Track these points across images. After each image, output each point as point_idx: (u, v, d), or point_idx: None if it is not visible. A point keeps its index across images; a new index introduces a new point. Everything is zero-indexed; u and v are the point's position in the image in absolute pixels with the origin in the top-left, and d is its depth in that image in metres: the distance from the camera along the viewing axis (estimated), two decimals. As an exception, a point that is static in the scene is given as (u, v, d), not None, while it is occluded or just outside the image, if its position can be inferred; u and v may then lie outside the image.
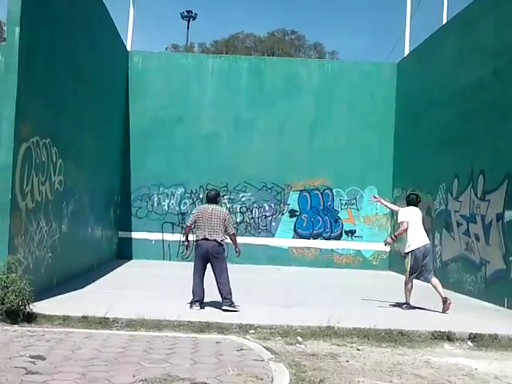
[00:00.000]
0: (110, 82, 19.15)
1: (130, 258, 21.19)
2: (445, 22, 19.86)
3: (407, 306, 12.54)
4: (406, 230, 12.60)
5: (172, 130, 21.97)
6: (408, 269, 12.53)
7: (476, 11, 16.14)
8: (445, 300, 12.21)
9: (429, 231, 17.70)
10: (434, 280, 12.56)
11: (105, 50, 18.18)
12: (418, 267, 12.46)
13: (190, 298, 11.53)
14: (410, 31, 22.90)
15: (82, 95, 15.11)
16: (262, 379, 6.40)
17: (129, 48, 22.51)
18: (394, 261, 21.28)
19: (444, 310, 12.12)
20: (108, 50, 18.81)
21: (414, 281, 12.69)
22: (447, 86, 17.46)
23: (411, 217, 12.61)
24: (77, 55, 14.62)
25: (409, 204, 12.99)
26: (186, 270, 18.73)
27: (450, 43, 17.70)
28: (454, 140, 16.61)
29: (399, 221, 12.75)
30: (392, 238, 13.10)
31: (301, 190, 22.01)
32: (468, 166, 15.57)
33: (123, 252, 21.28)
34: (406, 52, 22.37)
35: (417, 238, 12.54)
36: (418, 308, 12.46)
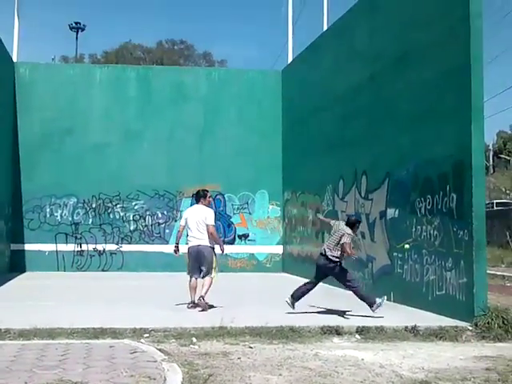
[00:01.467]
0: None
1: (24, 271, 20.86)
2: (325, 28, 20.48)
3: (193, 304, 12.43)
4: (179, 232, 12.85)
5: (61, 142, 21.81)
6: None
7: (351, 20, 16.85)
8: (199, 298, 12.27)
9: (318, 232, 18.33)
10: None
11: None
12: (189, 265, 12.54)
13: (87, 305, 11.61)
14: (293, 39, 23.60)
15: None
16: (154, 379, 6.55)
17: (15, 59, 22.15)
18: (288, 263, 21.76)
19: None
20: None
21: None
22: (328, 91, 18.06)
23: (188, 217, 12.56)
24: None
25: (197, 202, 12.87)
26: (80, 279, 18.78)
27: (329, 50, 18.35)
28: (337, 143, 17.20)
29: None
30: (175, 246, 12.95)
31: (193, 196, 22.13)
32: (351, 168, 16.16)
33: (16, 264, 20.95)
34: (290, 59, 22.93)
35: (189, 238, 12.56)
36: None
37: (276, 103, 22.60)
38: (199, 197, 12.73)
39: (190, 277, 12.51)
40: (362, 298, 11.89)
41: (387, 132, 14.36)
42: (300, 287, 12.30)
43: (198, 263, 12.39)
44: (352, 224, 12.14)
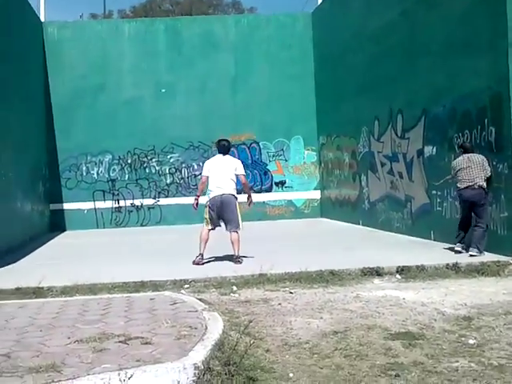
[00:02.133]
0: (24, 55, 18.80)
1: (64, 230, 21.08)
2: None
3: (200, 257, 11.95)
4: (203, 183, 12.23)
5: (94, 99, 21.77)
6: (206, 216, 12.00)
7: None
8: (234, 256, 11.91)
9: (355, 174, 18.19)
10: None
11: (15, 22, 17.79)
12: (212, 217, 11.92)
13: (127, 260, 11.67)
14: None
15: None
16: (196, 328, 6.53)
17: (42, 19, 22.07)
18: (326, 208, 21.67)
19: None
20: (19, 22, 18.42)
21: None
22: (359, 31, 17.74)
23: (212, 168, 11.96)
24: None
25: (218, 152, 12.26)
26: (119, 235, 18.93)
27: (359, -12, 17.93)
28: (370, 84, 16.92)
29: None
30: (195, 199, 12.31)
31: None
32: (386, 107, 15.91)
33: (56, 224, 21.13)
34: (320, 1, 22.50)
35: (212, 188, 11.95)
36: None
37: (307, 47, 22.27)
38: (225, 148, 12.11)
39: (209, 229, 11.96)
40: (477, 238, 11.25)
41: (422, 68, 14.06)
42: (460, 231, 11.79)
43: (222, 213, 11.85)
44: (471, 149, 11.71)
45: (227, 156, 12.12)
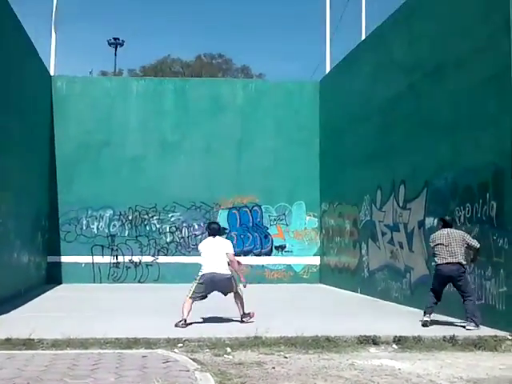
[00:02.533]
0: (32, 107, 18.98)
1: (60, 283, 20.96)
2: (363, 38, 20.34)
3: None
4: None
5: (98, 154, 21.89)
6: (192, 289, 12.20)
7: (389, 28, 16.70)
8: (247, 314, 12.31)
9: (356, 242, 18.17)
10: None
11: (26, 74, 18.03)
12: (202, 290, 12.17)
13: (122, 316, 11.61)
14: (331, 49, 23.43)
15: (2, 120, 14.97)
16: (186, 388, 6.45)
17: (52, 73, 22.35)
18: (325, 274, 21.57)
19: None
20: (29, 75, 18.67)
21: None
22: (366, 101, 17.92)
23: (204, 250, 12.51)
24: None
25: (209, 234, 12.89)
26: (116, 291, 18.79)
27: (367, 60, 18.21)
28: (375, 153, 17.01)
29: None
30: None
31: (230, 208, 22.17)
32: (390, 177, 15.97)
33: (53, 276, 21.03)
34: (328, 70, 22.81)
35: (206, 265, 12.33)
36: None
37: (314, 114, 22.46)
38: (215, 231, 12.73)
39: (193, 299, 12.08)
40: (471, 311, 11.21)
41: (426, 141, 14.16)
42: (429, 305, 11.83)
43: (217, 288, 12.26)
44: (451, 224, 11.83)
45: (217, 237, 12.67)
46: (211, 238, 12.68)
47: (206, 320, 12.12)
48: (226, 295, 12.40)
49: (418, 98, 14.76)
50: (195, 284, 12.21)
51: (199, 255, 12.41)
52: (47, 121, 21.49)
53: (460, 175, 12.56)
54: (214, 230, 12.78)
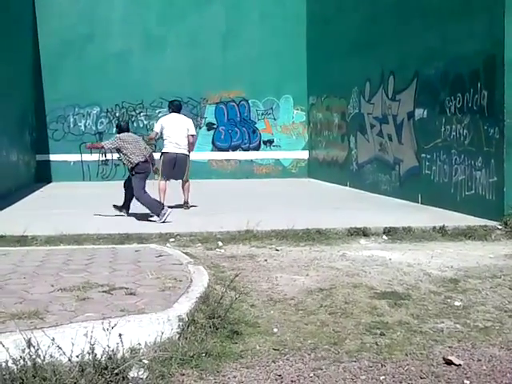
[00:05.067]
0: (14, 4, 18.46)
1: (50, 181, 20.92)
2: None
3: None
4: (152, 138, 13.75)
5: (83, 49, 21.40)
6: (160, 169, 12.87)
7: None
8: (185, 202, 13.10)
9: (344, 135, 18.12)
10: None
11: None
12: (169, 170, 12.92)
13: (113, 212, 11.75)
14: None
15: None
16: (180, 280, 6.49)
17: (31, -35, 21.65)
18: (313, 168, 21.60)
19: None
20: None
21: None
22: (355, -11, 17.49)
23: (167, 125, 12.96)
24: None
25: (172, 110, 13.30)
26: (106, 188, 18.78)
27: None
28: (363, 43, 16.71)
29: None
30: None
31: (217, 103, 21.96)
32: (378, 68, 15.76)
33: (42, 175, 20.96)
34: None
35: (167, 145, 13.00)
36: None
37: (300, 4, 21.87)
38: (178, 107, 13.23)
39: (165, 180, 12.90)
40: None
41: (415, 29, 13.87)
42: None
43: (176, 168, 12.93)
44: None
45: (181, 115, 13.14)
46: (175, 114, 13.02)
47: (196, 214, 12.20)
48: (180, 179, 13.08)
49: (407, -15, 14.43)
50: (161, 163, 12.86)
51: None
52: (29, 16, 20.89)
53: (451, 64, 12.37)
54: (178, 107, 13.16)
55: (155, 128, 13.37)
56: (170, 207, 11.88)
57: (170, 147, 12.87)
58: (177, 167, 12.94)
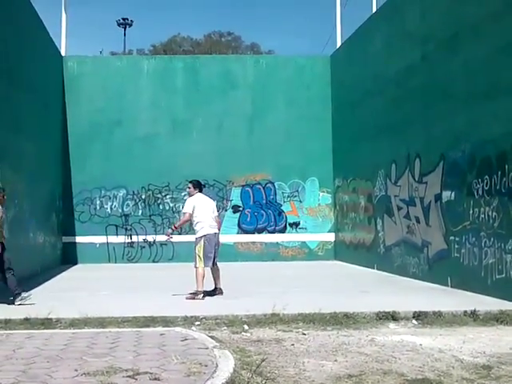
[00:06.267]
0: (44, 87, 18.90)
1: (75, 263, 20.98)
2: (374, 11, 20.07)
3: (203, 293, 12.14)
4: (186, 221, 12.68)
5: (110, 133, 21.79)
6: (201, 254, 12.21)
7: (401, 0, 16.45)
8: (218, 289, 12.52)
9: (371, 217, 18.04)
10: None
11: (37, 55, 17.98)
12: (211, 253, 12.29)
13: (138, 295, 11.56)
14: (341, 23, 23.15)
15: (15, 100, 14.92)
16: (206, 365, 6.37)
17: (63, 53, 22.23)
18: (340, 251, 21.48)
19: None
20: (41, 55, 18.60)
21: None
22: (379, 74, 17.71)
23: (200, 205, 12.40)
24: (7, 60, 14.42)
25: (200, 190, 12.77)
26: (131, 270, 18.78)
27: (379, 32, 18.00)
28: (389, 126, 16.83)
29: (184, 211, 12.63)
30: (172, 229, 12.98)
31: (243, 186, 22.07)
32: (404, 151, 15.79)
33: (68, 257, 21.06)
34: (339, 44, 22.57)
35: (205, 226, 12.37)
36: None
37: (325, 88, 22.26)
38: (202, 187, 12.89)
39: (206, 265, 12.23)
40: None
41: (441, 113, 13.95)
42: None
43: (216, 251, 12.46)
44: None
45: (205, 195, 12.77)
46: (202, 194, 12.59)
47: (222, 297, 12.08)
48: (215, 263, 12.45)
49: (433, 68, 14.52)
50: (202, 246, 12.16)
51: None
52: (59, 101, 21.40)
53: (477, 147, 12.36)
54: (202, 187, 12.79)
55: (187, 209, 12.38)
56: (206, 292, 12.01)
57: (208, 229, 12.24)
58: (216, 249, 12.41)
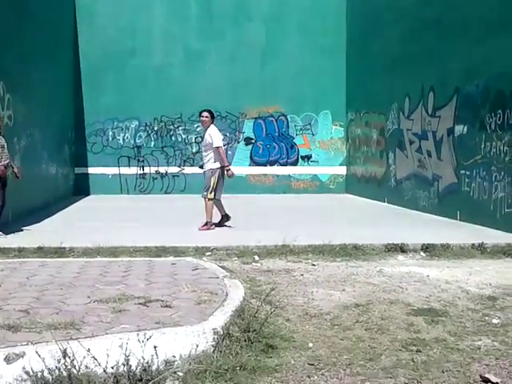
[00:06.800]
0: (55, 17, 18.68)
1: (88, 194, 21.13)
2: None
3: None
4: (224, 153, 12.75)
5: (123, 64, 21.59)
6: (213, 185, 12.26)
7: None
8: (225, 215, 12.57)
9: (383, 151, 18.02)
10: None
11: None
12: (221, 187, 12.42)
13: (150, 225, 11.70)
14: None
15: (26, 30, 14.82)
16: (216, 294, 6.48)
17: (74, -19, 21.93)
18: (351, 184, 21.52)
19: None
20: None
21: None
22: (394, 5, 17.43)
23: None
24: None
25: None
26: (143, 201, 18.92)
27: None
28: (403, 59, 16.65)
29: (217, 145, 12.37)
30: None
31: (255, 118, 22.01)
32: (418, 84, 15.66)
33: (80, 188, 21.19)
34: (355, -27, 22.14)
35: (224, 156, 12.61)
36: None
37: (340, 20, 21.87)
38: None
39: (217, 199, 12.38)
40: None
41: (457, 45, 13.77)
42: None
43: None
44: None
45: None
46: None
47: (233, 229, 12.22)
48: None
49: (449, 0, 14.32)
50: (217, 178, 12.25)
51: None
52: (71, 31, 21.19)
53: (492, 80, 12.26)
54: None
55: (220, 142, 12.43)
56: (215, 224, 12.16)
57: (219, 162, 12.36)
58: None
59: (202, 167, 12.62)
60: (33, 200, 14.82)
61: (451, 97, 13.96)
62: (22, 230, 11.74)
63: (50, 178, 17.61)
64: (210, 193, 12.16)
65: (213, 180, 12.17)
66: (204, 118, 12.53)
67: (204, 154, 12.43)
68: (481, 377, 4.73)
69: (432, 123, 14.98)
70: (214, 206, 12.27)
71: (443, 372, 4.84)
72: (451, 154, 13.93)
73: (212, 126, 12.48)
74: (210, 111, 12.65)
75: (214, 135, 12.29)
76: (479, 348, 5.40)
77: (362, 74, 20.17)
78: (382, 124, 18.34)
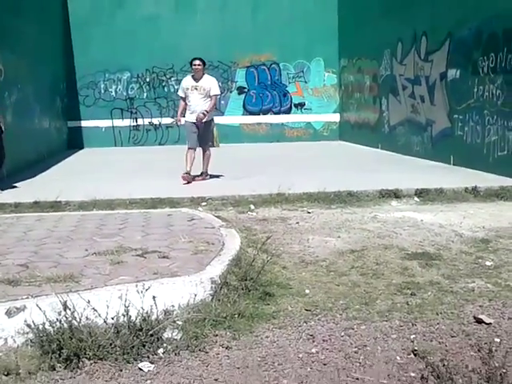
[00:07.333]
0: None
1: (82, 147, 21.07)
2: None
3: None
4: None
5: (112, 15, 21.30)
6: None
7: None
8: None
9: (376, 97, 17.98)
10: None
11: None
12: None
13: (145, 177, 11.73)
14: None
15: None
16: (213, 244, 6.55)
17: None
18: (345, 131, 21.50)
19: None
20: None
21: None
22: None
23: None
24: None
25: None
26: (137, 153, 18.91)
27: None
28: (395, 4, 16.49)
29: (217, 93, 12.36)
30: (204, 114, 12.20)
31: (247, 67, 21.84)
32: (411, 29, 15.55)
33: (74, 141, 21.10)
34: None
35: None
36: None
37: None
38: None
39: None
40: None
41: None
42: None
43: None
44: None
45: None
46: None
47: (228, 178, 12.27)
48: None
49: None
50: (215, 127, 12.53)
51: (218, 115, 12.27)
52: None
53: (485, 23, 12.14)
54: None
55: (218, 90, 12.46)
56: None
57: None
58: None
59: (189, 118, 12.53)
60: (27, 155, 14.80)
61: (443, 41, 13.86)
62: (16, 186, 11.75)
63: (43, 132, 17.55)
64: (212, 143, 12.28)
65: (214, 130, 12.26)
66: (197, 67, 12.34)
67: (200, 102, 12.19)
68: (474, 318, 4.83)
69: (425, 68, 14.91)
70: (189, 155, 12.30)
71: (437, 314, 4.93)
72: (444, 99, 13.91)
73: (206, 74, 12.41)
74: (201, 59, 12.45)
75: (214, 83, 12.25)
76: (473, 290, 5.49)
77: (354, 20, 19.98)
78: (375, 70, 18.25)
